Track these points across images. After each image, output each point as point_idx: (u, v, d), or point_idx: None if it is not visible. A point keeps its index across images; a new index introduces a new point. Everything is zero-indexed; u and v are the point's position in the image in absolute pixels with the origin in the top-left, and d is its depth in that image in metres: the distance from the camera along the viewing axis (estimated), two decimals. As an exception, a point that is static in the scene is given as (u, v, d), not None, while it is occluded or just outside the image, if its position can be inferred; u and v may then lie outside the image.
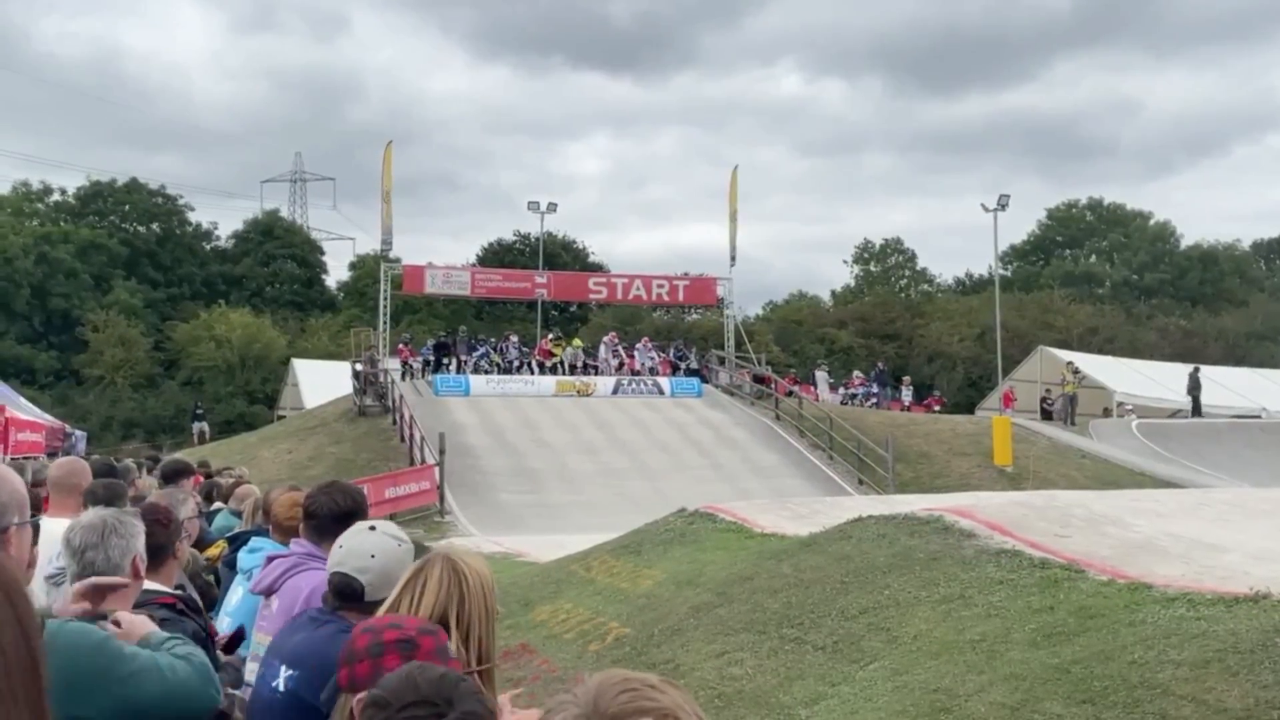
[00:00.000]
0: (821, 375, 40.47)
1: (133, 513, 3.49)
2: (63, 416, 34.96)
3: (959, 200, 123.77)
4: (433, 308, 60.85)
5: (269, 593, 3.84)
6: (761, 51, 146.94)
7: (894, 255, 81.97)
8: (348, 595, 3.01)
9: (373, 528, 3.15)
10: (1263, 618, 6.22)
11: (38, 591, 3.16)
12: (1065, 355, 41.53)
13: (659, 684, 1.41)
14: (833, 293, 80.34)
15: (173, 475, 7.96)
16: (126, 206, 68.05)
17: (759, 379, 35.92)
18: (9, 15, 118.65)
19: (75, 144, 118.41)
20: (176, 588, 4.14)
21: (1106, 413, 36.91)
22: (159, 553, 3.75)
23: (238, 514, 7.53)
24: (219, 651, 3.73)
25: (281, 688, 2.87)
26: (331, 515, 3.82)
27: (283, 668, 2.92)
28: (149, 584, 3.59)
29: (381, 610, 2.63)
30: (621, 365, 36.15)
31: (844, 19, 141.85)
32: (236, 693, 3.53)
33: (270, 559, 3.97)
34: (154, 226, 68.32)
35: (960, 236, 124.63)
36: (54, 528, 3.98)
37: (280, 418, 45.38)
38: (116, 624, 2.72)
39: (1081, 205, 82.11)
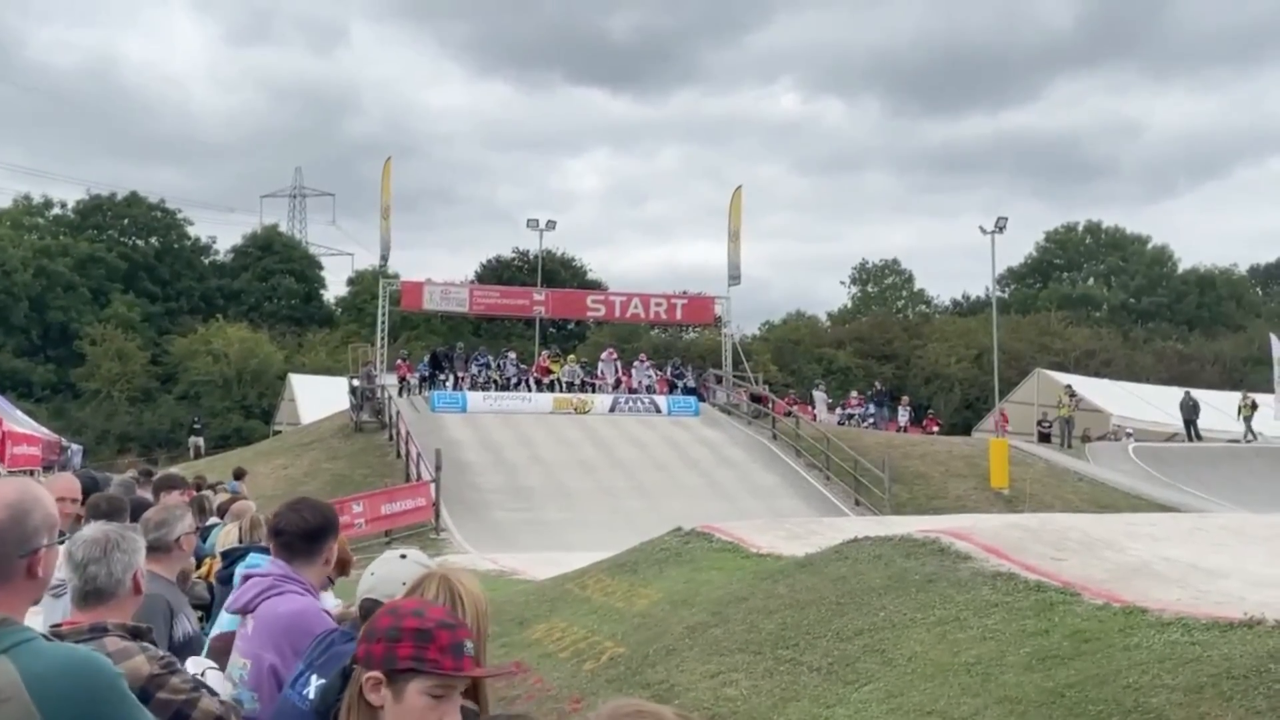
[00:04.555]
0: (819, 395, 40.48)
1: (134, 528, 3.51)
2: (59, 430, 34.90)
3: (957, 221, 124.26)
4: (431, 324, 60.87)
5: (245, 612, 3.78)
6: (762, 69, 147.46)
7: (891, 276, 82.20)
8: None
9: (403, 556, 3.23)
10: (1257, 643, 6.23)
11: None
12: (1062, 378, 41.58)
13: (672, 717, 1.41)
14: (829, 313, 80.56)
15: (163, 490, 7.94)
16: (125, 220, 68.17)
17: (756, 398, 35.93)
18: (3, 23, 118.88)
19: (72, 156, 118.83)
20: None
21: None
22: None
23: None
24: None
25: (311, 695, 2.96)
26: (300, 532, 3.80)
27: (314, 677, 3.00)
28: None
29: None
30: (619, 383, 36.17)
31: (845, 37, 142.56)
32: (232, 702, 3.53)
33: (246, 577, 3.90)
34: (153, 240, 68.43)
35: (958, 258, 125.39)
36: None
37: (277, 433, 45.35)
38: None
39: (1080, 228, 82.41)
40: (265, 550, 5.17)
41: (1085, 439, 35.64)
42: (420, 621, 2.20)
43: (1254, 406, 36.03)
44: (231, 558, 5.83)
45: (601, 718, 1.41)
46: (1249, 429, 35.73)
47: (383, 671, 2.17)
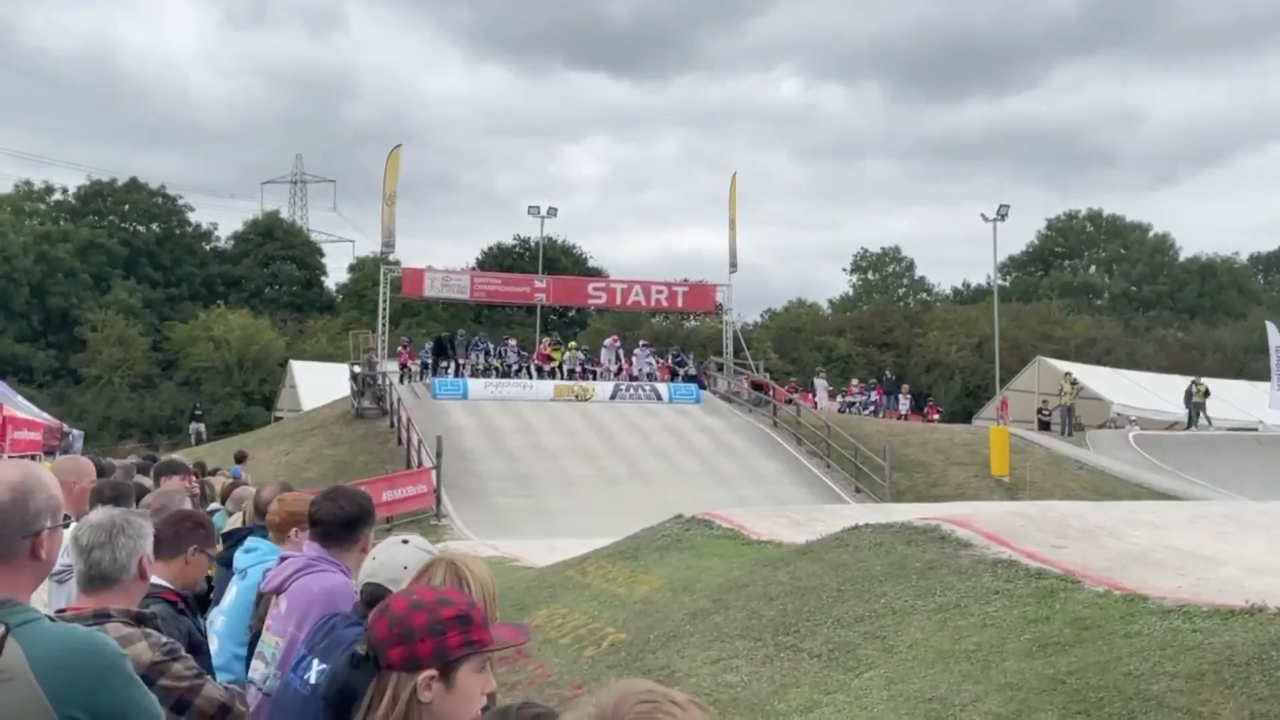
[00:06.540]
0: (820, 383, 40.46)
1: (141, 513, 3.52)
2: (60, 415, 34.94)
3: (959, 209, 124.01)
4: (432, 311, 60.86)
5: (278, 592, 3.86)
6: (763, 55, 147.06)
7: (892, 264, 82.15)
8: None
9: (405, 541, 3.29)
10: (1258, 630, 6.24)
11: (40, 589, 3.18)
12: (1063, 366, 41.55)
13: (682, 701, 1.41)
14: (830, 301, 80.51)
15: (165, 475, 7.92)
16: (126, 206, 68.07)
17: (757, 386, 35.92)
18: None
19: (72, 141, 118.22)
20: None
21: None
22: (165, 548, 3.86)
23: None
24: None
25: (313, 680, 2.98)
26: (337, 521, 3.84)
27: (315, 662, 3.02)
28: (156, 579, 3.65)
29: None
30: (620, 370, 36.16)
31: (846, 23, 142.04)
32: (237, 688, 3.55)
33: (282, 559, 4.00)
34: (154, 226, 68.34)
35: (959, 246, 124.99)
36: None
37: (278, 419, 45.36)
38: None
39: (1081, 216, 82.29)
40: (261, 532, 5.22)
41: (1078, 427, 35.65)
42: (454, 608, 2.24)
43: (1206, 394, 36.25)
44: (231, 540, 5.86)
45: (611, 699, 1.40)
46: (1203, 414, 35.91)
47: (437, 667, 2.19)
